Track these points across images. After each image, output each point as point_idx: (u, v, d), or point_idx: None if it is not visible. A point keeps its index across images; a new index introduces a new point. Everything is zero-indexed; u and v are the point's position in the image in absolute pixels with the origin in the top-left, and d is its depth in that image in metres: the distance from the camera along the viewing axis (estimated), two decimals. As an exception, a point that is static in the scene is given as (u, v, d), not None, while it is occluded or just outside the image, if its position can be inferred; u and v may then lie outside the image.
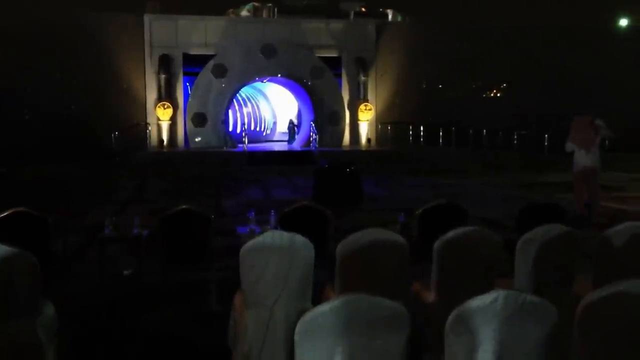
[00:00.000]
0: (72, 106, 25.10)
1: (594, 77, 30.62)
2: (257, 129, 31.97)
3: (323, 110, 27.32)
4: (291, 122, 30.14)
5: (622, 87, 31.48)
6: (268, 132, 32.80)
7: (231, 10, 32.60)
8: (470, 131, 26.53)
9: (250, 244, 4.23)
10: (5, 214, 6.46)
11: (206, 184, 17.91)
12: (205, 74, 26.45)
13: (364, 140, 28.51)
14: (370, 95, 28.70)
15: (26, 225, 6.36)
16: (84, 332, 5.90)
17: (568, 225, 4.77)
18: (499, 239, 4.65)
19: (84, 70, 26.13)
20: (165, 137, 26.46)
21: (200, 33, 27.08)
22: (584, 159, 11.38)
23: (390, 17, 35.69)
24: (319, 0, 34.03)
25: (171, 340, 5.70)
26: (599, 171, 11.56)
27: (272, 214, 7.14)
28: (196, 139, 26.04)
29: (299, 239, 4.22)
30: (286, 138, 30.52)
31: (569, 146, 11.63)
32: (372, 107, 28.56)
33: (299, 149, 27.11)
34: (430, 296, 4.65)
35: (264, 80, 28.95)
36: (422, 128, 27.56)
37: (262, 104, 32.58)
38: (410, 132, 27.96)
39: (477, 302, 2.89)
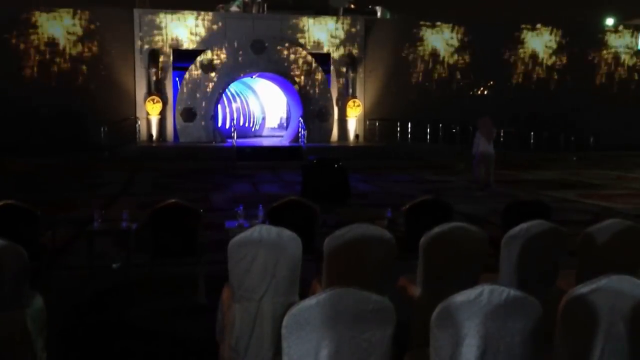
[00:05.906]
0: (61, 100, 24.96)
1: (580, 77, 30.81)
2: (246, 124, 31.90)
3: (312, 106, 27.31)
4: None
5: (608, 86, 31.71)
6: (257, 127, 32.74)
7: (221, 5, 32.55)
8: (457, 128, 26.61)
9: (238, 237, 4.24)
10: (-6, 206, 6.43)
11: (195, 179, 17.87)
12: (195, 69, 26.41)
13: (352, 136, 28.51)
14: (358, 92, 28.68)
15: (15, 218, 6.33)
16: (72, 324, 5.91)
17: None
18: (484, 235, 4.67)
19: (73, 65, 26.03)
20: (154, 131, 26.39)
21: (189, 28, 27.01)
22: (487, 147, 15.51)
23: (379, 14, 35.69)
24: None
25: (159, 333, 5.72)
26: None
27: (261, 208, 7.17)
28: None
29: (287, 233, 4.24)
30: (275, 133, 30.52)
31: (478, 137, 15.60)
32: (360, 103, 28.56)
33: (287, 144, 27.09)
34: (416, 291, 4.68)
35: (253, 76, 28.89)
36: (409, 125, 27.62)
37: (251, 100, 32.51)
38: (398, 129, 28.00)
39: (462, 296, 2.92)
